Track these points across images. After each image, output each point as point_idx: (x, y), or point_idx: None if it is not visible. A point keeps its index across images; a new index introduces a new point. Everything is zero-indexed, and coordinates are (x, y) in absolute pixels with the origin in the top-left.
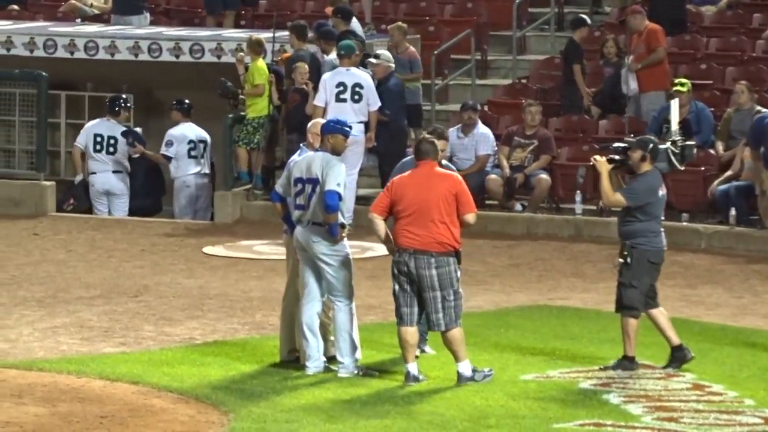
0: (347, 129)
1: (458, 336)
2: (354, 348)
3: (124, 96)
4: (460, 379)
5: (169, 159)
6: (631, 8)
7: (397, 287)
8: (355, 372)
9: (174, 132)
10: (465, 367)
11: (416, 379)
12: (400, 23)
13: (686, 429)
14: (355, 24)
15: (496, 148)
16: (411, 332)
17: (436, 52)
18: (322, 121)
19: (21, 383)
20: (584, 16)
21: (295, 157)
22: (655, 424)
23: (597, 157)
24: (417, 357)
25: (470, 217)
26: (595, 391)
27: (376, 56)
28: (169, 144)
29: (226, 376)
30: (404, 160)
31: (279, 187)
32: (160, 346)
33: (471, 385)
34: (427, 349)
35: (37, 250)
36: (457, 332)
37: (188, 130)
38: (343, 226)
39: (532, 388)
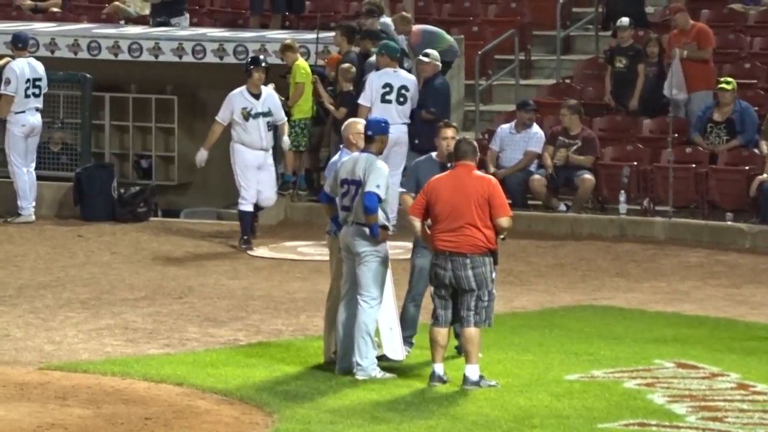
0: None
1: (477, 337)
2: (374, 350)
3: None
4: (465, 382)
5: None
6: (674, 6)
7: (434, 289)
8: (373, 375)
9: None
10: (472, 371)
11: (441, 380)
12: (402, 13)
13: (731, 429)
14: (388, 22)
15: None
16: (443, 333)
17: (480, 52)
18: (361, 121)
19: (65, 385)
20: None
21: (335, 158)
22: (700, 424)
23: None
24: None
25: (503, 221)
26: (640, 391)
27: (426, 55)
28: None
29: (271, 377)
30: (418, 159)
31: (327, 187)
32: (205, 348)
33: (516, 386)
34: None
35: (81, 252)
36: (478, 333)
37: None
38: (385, 227)
39: (576, 389)
